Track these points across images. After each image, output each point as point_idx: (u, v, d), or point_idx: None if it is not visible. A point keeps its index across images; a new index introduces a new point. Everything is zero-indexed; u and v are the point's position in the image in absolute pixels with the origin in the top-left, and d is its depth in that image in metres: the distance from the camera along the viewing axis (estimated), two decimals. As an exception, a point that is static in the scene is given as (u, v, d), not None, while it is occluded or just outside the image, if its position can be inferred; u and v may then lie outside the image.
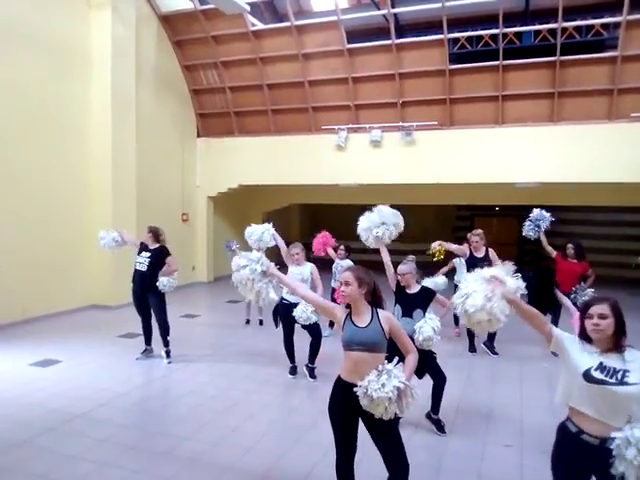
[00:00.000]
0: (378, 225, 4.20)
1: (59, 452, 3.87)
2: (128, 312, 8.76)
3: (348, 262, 7.30)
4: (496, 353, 6.72)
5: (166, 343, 6.22)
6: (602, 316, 2.35)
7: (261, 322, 8.12)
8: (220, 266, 12.43)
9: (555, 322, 6.18)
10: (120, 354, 6.43)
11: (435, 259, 6.38)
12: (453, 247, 6.59)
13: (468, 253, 6.67)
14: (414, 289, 4.50)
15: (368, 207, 4.33)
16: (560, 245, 7.15)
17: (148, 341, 6.35)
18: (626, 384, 2.24)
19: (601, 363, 2.32)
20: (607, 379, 2.27)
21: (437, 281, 5.80)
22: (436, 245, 6.20)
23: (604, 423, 2.28)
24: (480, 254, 6.66)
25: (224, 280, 12.32)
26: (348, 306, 2.96)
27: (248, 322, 8.22)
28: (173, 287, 6.09)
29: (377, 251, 4.37)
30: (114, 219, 8.96)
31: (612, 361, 2.32)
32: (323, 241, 7.15)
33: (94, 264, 9.03)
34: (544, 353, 6.77)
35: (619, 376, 2.27)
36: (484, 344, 6.80)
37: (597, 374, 2.29)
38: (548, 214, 6.88)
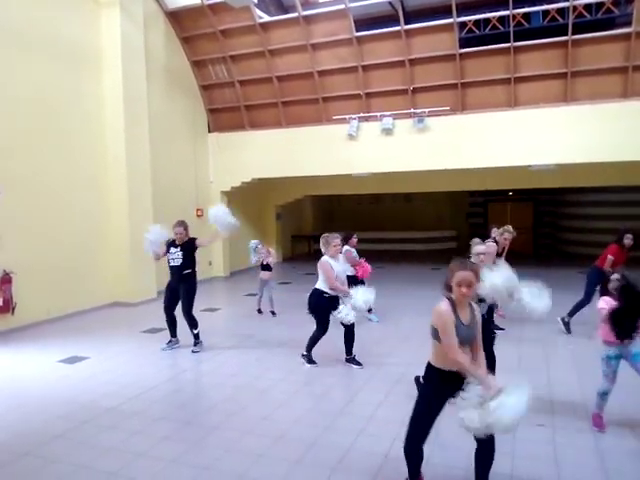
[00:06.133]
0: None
1: (96, 444, 3.93)
2: (149, 308, 8.89)
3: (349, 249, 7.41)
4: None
5: (194, 335, 6.35)
6: None
7: (273, 313, 8.20)
8: (236, 261, 12.49)
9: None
10: (145, 348, 6.52)
11: None
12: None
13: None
14: None
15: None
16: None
17: (173, 333, 6.47)
18: None
19: None
20: None
21: None
22: None
23: None
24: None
25: (240, 275, 12.41)
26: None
27: (260, 311, 8.34)
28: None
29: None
30: (131, 218, 9.06)
31: None
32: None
33: (114, 263, 9.13)
34: (568, 336, 6.75)
35: None
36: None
37: None
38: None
